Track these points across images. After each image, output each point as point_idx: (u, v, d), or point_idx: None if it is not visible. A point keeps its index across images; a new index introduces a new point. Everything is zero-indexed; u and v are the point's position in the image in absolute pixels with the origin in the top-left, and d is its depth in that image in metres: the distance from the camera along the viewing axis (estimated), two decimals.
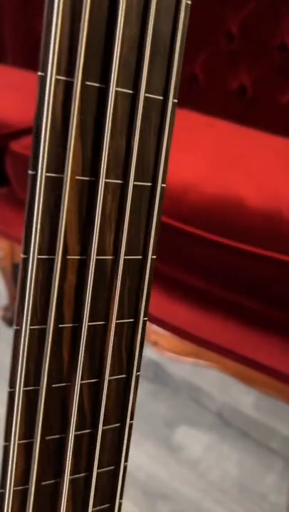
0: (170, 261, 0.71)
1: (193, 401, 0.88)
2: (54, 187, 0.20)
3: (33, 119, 0.19)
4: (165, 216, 0.64)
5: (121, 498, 0.26)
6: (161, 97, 0.20)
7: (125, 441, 0.25)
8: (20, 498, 0.24)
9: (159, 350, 0.80)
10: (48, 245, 0.20)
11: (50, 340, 0.22)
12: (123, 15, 0.18)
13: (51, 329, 0.21)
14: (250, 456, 0.77)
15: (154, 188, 0.21)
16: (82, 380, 0.23)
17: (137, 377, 0.24)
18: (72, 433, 0.23)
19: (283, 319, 0.64)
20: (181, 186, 0.65)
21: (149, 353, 0.99)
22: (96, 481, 0.25)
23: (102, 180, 0.20)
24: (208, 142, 0.82)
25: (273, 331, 0.66)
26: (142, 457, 0.76)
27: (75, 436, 0.24)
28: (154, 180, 0.21)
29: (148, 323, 0.84)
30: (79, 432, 0.24)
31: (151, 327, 0.79)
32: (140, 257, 0.22)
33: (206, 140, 0.83)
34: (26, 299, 0.21)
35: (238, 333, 0.68)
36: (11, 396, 0.22)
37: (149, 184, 0.21)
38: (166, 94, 0.20)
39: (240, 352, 0.67)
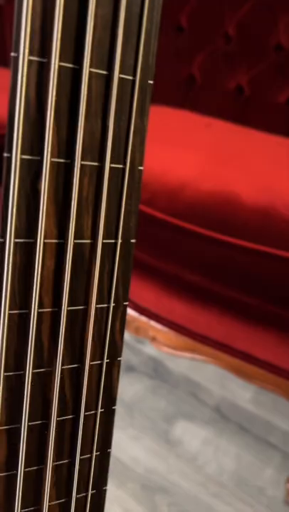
0: (166, 257, 0.71)
1: (192, 396, 0.88)
2: (30, 169, 0.19)
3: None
4: (162, 212, 0.64)
5: (105, 484, 0.26)
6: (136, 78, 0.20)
7: (108, 427, 0.24)
8: (2, 485, 0.24)
9: (156, 345, 0.80)
10: (26, 229, 0.20)
11: (34, 324, 0.21)
12: None
13: (35, 314, 0.21)
14: (248, 451, 0.77)
15: (131, 170, 0.21)
16: (62, 365, 0.23)
17: (118, 362, 0.23)
18: (54, 419, 0.23)
19: (279, 313, 0.64)
20: (177, 183, 0.65)
21: (149, 349, 0.99)
22: (79, 468, 0.25)
23: (78, 163, 0.20)
24: (205, 141, 0.82)
25: (269, 325, 0.66)
26: (140, 451, 0.76)
27: (57, 422, 0.23)
28: (132, 163, 0.21)
29: (146, 318, 0.84)
30: (61, 418, 0.24)
31: (149, 322, 0.79)
32: (119, 241, 0.22)
33: (204, 139, 0.83)
34: (4, 284, 0.21)
35: (234, 328, 0.68)
36: None
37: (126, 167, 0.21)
38: (136, 75, 0.20)
39: (235, 346, 0.67)
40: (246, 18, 0.98)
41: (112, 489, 0.67)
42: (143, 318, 0.77)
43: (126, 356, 0.96)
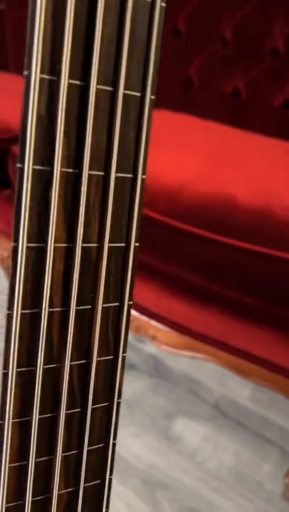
0: (166, 258, 0.72)
1: (192, 394, 0.90)
2: (41, 179, 0.21)
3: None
4: (160, 214, 0.66)
5: (111, 474, 0.27)
6: (139, 94, 0.21)
7: (114, 420, 0.26)
8: (14, 474, 0.25)
9: (157, 344, 0.81)
10: (37, 234, 0.22)
11: (45, 323, 0.23)
12: (102, 14, 0.20)
13: (46, 313, 0.23)
14: (247, 446, 0.79)
15: (135, 179, 0.22)
16: (71, 361, 0.24)
17: (124, 357, 0.25)
18: (63, 412, 0.25)
19: (276, 313, 0.65)
20: (176, 185, 0.66)
21: (149, 348, 1.00)
22: (87, 458, 0.26)
23: (86, 172, 0.21)
24: (203, 144, 0.83)
25: (267, 324, 0.67)
26: (141, 448, 0.77)
27: (66, 415, 0.25)
28: (135, 172, 0.22)
29: (146, 318, 0.85)
30: (69, 411, 0.25)
31: (150, 322, 0.81)
32: (124, 244, 0.23)
33: (201, 142, 0.85)
34: (17, 285, 0.22)
35: (233, 327, 0.69)
36: (5, 377, 0.24)
37: (130, 176, 0.22)
38: (144, 91, 0.21)
39: (234, 344, 0.69)
40: (243, 22, 0.99)
41: (114, 485, 0.69)
42: (143, 318, 0.79)
43: (127, 355, 0.97)
